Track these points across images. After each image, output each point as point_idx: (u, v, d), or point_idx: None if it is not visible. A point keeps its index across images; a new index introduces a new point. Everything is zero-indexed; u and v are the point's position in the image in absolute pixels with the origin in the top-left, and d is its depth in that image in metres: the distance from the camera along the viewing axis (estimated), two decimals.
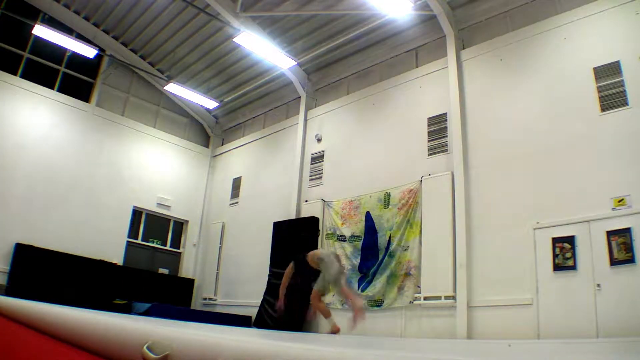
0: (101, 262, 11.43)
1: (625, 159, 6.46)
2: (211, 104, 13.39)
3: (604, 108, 6.85)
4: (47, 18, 11.81)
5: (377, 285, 8.78)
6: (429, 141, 9.02)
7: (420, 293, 8.08)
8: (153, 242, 13.40)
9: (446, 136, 8.76)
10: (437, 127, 8.97)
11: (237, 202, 13.40)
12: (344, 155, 10.70)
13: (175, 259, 13.80)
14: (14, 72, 11.35)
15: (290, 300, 6.54)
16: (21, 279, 10.00)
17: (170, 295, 12.28)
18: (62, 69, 12.33)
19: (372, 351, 1.14)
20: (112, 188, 12.48)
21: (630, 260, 5.92)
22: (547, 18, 7.89)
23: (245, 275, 11.98)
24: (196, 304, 13.15)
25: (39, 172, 11.18)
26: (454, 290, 7.60)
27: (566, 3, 7.77)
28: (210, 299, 12.79)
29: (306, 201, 11.03)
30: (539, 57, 7.87)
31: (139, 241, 13.06)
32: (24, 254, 10.30)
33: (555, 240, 6.72)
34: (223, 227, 13.40)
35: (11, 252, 10.27)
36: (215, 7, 10.40)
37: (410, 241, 8.55)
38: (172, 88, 12.65)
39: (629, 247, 5.97)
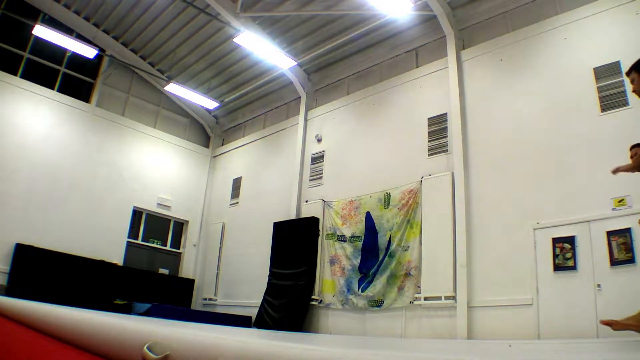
0: (101, 262, 11.44)
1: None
2: (211, 104, 13.39)
3: (604, 108, 6.85)
4: (47, 18, 11.82)
5: (378, 285, 8.78)
6: (429, 141, 9.02)
7: (420, 293, 8.07)
8: (153, 242, 13.39)
9: (446, 136, 8.76)
10: (437, 127, 8.97)
11: (237, 203, 13.40)
12: (344, 156, 10.69)
13: (175, 259, 13.80)
14: (14, 73, 11.35)
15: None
16: (21, 279, 10.00)
17: (171, 296, 12.29)
18: (62, 69, 12.34)
19: (372, 351, 1.14)
20: (112, 188, 12.49)
21: (630, 260, 5.92)
22: (547, 18, 7.89)
23: (246, 276, 11.98)
24: (196, 304, 13.15)
25: (39, 172, 11.18)
26: (454, 290, 7.60)
27: (566, 3, 7.77)
28: (210, 299, 12.79)
29: (306, 201, 11.03)
30: (539, 57, 7.86)
31: (139, 241, 13.06)
32: (24, 254, 10.31)
33: (556, 241, 6.71)
34: (223, 227, 13.40)
35: (11, 252, 10.27)
36: (216, 7, 10.40)
37: (411, 241, 8.55)
38: (172, 88, 12.66)
39: (629, 247, 5.97)
